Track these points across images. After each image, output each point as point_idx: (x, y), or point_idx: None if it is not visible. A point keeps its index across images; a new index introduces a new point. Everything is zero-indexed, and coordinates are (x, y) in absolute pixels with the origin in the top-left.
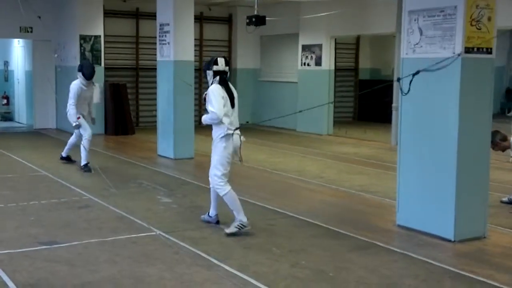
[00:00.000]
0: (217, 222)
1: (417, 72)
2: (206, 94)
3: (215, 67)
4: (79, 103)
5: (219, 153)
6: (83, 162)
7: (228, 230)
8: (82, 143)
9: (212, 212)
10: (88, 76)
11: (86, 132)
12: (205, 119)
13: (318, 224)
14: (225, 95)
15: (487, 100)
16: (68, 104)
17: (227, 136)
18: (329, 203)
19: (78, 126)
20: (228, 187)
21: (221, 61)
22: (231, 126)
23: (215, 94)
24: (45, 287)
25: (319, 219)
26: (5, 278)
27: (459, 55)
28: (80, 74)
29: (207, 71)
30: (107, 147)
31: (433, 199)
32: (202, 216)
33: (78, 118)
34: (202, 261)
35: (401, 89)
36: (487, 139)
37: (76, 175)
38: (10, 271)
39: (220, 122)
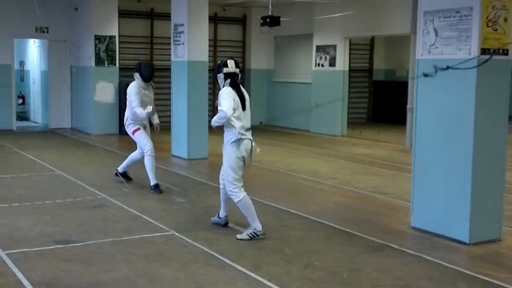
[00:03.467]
0: (226, 224)
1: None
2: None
3: (225, 70)
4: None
5: (229, 158)
6: (152, 183)
7: (239, 236)
8: (145, 160)
9: (222, 213)
10: (147, 77)
11: (147, 146)
12: (214, 119)
13: (331, 225)
14: (236, 98)
15: (504, 102)
16: (128, 110)
17: (238, 141)
18: (342, 205)
19: (153, 113)
20: (242, 194)
21: (231, 63)
22: (242, 130)
23: (225, 94)
24: (59, 286)
25: (332, 220)
26: (20, 276)
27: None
28: (137, 74)
29: (218, 75)
30: (121, 147)
31: (448, 201)
32: (212, 218)
33: (138, 129)
34: (215, 261)
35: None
36: (503, 141)
37: (90, 174)
38: (25, 270)
39: (231, 126)
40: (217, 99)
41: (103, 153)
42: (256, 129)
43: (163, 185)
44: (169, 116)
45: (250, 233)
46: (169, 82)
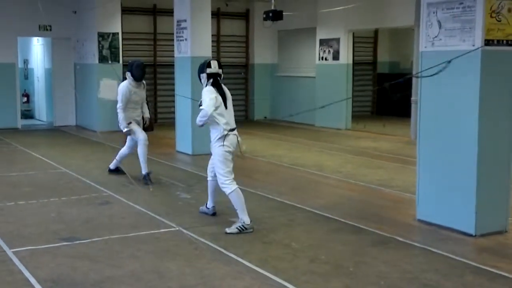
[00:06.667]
0: (213, 214)
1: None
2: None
3: (208, 70)
4: (128, 107)
5: (218, 153)
6: (143, 171)
7: (228, 230)
8: (138, 148)
9: (209, 203)
10: (138, 77)
11: (140, 136)
12: (198, 119)
13: (337, 219)
14: (219, 96)
15: (508, 93)
16: (117, 108)
17: (224, 137)
18: (348, 198)
19: (129, 133)
20: (234, 186)
21: (214, 63)
22: (227, 126)
23: (206, 93)
24: (66, 283)
25: (338, 214)
26: (27, 274)
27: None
28: (129, 74)
29: (201, 74)
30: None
31: (454, 193)
32: (201, 207)
33: (129, 123)
34: (221, 256)
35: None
36: (508, 133)
37: (95, 172)
38: (32, 267)
39: (216, 124)
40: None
41: (108, 150)
42: (260, 123)
43: (169, 181)
44: (173, 112)
45: (239, 226)
46: (173, 78)
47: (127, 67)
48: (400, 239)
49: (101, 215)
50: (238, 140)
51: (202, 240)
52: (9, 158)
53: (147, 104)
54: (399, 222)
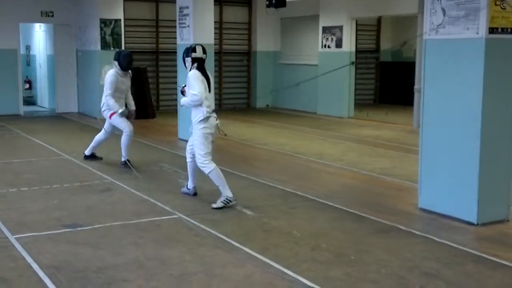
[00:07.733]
0: (195, 194)
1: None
2: (184, 86)
3: (193, 54)
4: (114, 96)
5: (199, 134)
6: (123, 158)
7: (214, 205)
8: (123, 137)
9: (190, 184)
10: (125, 66)
11: (127, 128)
12: (186, 101)
13: (339, 207)
14: (204, 80)
15: None
16: (103, 97)
17: (206, 119)
18: (350, 186)
19: (126, 113)
20: (212, 165)
21: (199, 48)
22: (209, 108)
23: (195, 78)
24: (68, 269)
25: (339, 202)
26: (30, 260)
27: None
28: (116, 63)
29: (186, 58)
30: None
31: (456, 182)
32: (182, 189)
33: (114, 113)
34: (223, 243)
35: None
36: (511, 122)
37: (97, 159)
38: (35, 254)
39: (199, 106)
40: (183, 87)
41: (110, 137)
42: (262, 111)
43: (171, 168)
44: (176, 100)
45: (223, 201)
46: (175, 66)
47: (114, 56)
48: (402, 227)
49: (103, 202)
50: (217, 122)
51: (204, 227)
52: (11, 145)
53: (148, 93)
54: (401, 211)
